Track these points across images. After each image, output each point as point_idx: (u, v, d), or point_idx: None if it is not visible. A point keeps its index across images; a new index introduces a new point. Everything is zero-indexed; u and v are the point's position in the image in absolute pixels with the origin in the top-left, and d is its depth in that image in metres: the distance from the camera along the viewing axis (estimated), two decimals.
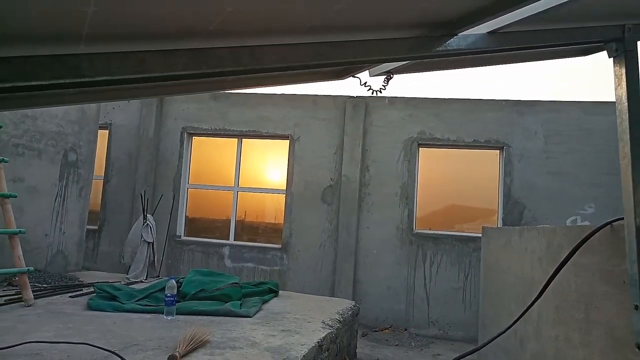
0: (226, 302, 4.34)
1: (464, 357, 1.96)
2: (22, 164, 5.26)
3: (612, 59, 1.69)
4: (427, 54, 1.40)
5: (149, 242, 6.06)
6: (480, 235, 6.96)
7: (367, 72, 1.62)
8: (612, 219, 1.73)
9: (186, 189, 8.32)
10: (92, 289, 4.72)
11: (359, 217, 7.56)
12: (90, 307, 4.03)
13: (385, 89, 1.62)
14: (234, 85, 1.63)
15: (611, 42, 1.65)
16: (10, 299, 4.05)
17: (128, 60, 1.15)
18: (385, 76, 1.60)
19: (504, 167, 7.31)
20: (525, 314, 2.90)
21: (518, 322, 3.20)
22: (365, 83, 1.64)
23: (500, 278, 3.96)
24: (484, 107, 7.46)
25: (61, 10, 0.98)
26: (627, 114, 1.68)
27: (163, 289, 4.22)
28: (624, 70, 1.69)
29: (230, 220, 8.17)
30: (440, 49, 1.39)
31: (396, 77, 1.80)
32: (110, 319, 3.70)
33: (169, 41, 1.23)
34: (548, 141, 7.21)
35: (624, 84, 1.68)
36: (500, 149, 7.41)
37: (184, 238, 8.16)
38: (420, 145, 7.64)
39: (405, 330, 7.12)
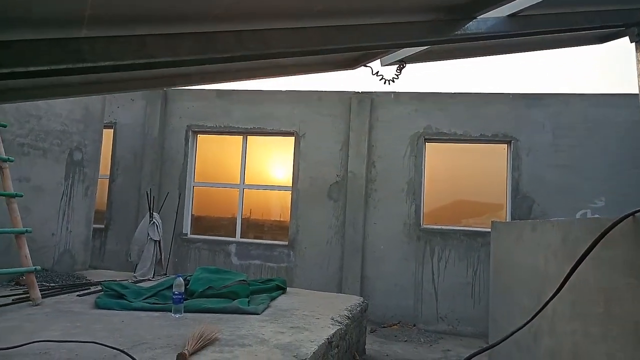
0: (234, 300, 4.31)
1: (481, 353, 1.91)
2: (27, 163, 5.24)
3: (633, 44, 1.63)
4: (444, 38, 1.35)
5: (155, 240, 6.05)
6: (489, 229, 6.90)
7: (378, 61, 1.56)
8: (634, 210, 1.67)
9: (192, 187, 8.30)
10: (99, 288, 4.70)
11: (365, 213, 7.51)
12: (97, 306, 4.01)
13: (398, 78, 1.57)
14: (241, 75, 1.58)
15: (633, 27, 1.58)
16: (18, 299, 4.04)
17: (129, 44, 1.10)
18: (397, 65, 1.54)
19: (512, 161, 7.23)
20: (542, 311, 2.84)
21: (532, 321, 3.14)
22: (377, 72, 1.58)
23: (511, 273, 3.90)
24: (491, 101, 7.38)
25: None
26: None
27: (170, 287, 4.20)
28: None
29: (236, 218, 8.14)
30: (459, 32, 1.33)
31: (401, 72, 1.74)
32: (118, 318, 3.67)
33: (172, 25, 1.17)
34: (556, 134, 7.12)
35: None
36: (508, 142, 7.33)
37: (190, 236, 8.14)
38: (426, 140, 7.57)
39: (414, 326, 7.08)
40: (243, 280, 4.76)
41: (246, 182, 8.17)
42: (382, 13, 1.30)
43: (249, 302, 4.34)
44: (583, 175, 6.96)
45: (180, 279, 3.88)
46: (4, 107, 4.85)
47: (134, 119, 8.40)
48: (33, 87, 1.61)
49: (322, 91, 7.97)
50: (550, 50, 1.90)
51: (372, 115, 7.68)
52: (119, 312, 3.87)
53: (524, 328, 3.29)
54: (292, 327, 3.66)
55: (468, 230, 7.28)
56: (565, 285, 2.15)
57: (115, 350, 2.73)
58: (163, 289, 4.59)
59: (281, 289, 5.20)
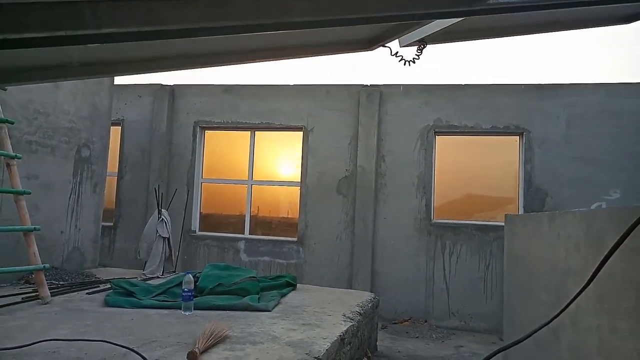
0: (244, 296, 4.25)
1: (504, 350, 1.82)
2: (35, 160, 5.21)
3: None
4: (471, 9, 1.25)
5: (164, 237, 6.00)
6: (501, 223, 6.79)
7: (397, 42, 1.48)
8: None
9: (200, 183, 8.26)
10: (109, 286, 4.67)
11: (375, 208, 7.42)
12: (107, 304, 3.98)
13: (418, 59, 1.48)
14: (251, 56, 1.49)
15: None
16: (27, 297, 4.01)
17: (136, 9, 1.00)
18: (417, 46, 1.46)
19: (524, 154, 7.10)
20: (561, 304, 2.75)
21: (551, 312, 3.05)
22: (397, 53, 1.49)
23: (527, 267, 3.80)
24: (502, 92, 7.25)
25: None
26: None
27: (180, 284, 4.15)
28: None
29: (244, 215, 8.09)
30: (492, 1, 1.23)
31: (422, 52, 1.66)
32: (128, 316, 3.63)
33: None
34: (570, 125, 6.98)
35: None
36: (520, 134, 7.20)
37: (199, 233, 8.11)
38: (436, 133, 7.46)
39: (426, 322, 6.99)
40: (253, 277, 4.70)
41: (254, 178, 8.12)
42: None
43: (259, 298, 4.29)
44: (597, 166, 6.82)
45: (190, 276, 3.83)
46: (11, 104, 4.82)
47: (142, 116, 8.37)
48: (31, 68, 1.54)
49: (330, 85, 7.88)
50: (575, 30, 1.80)
51: (381, 109, 7.57)
52: (129, 310, 3.83)
53: (540, 322, 3.20)
54: (303, 324, 3.59)
55: (480, 225, 7.17)
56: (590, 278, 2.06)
57: (125, 349, 2.68)
58: (172, 286, 4.55)
59: (291, 286, 5.14)
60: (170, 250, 6.17)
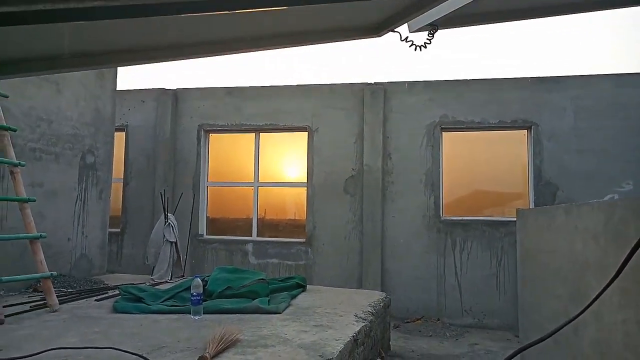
0: (254, 299, 4.19)
1: (528, 348, 1.75)
2: (40, 168, 5.18)
3: None
4: None
5: (171, 242, 5.96)
6: (511, 218, 6.70)
7: (406, 27, 1.41)
8: None
9: (206, 187, 8.22)
10: (117, 292, 4.62)
11: (383, 206, 7.34)
12: (116, 310, 3.93)
13: (430, 43, 1.41)
14: (250, 44, 1.42)
15: None
16: (36, 305, 3.97)
17: None
18: (428, 31, 1.39)
19: (533, 148, 7.00)
20: (580, 298, 2.67)
21: (569, 307, 2.96)
22: (407, 38, 1.43)
23: (542, 261, 3.72)
24: (508, 87, 7.15)
25: None
26: None
27: (188, 289, 4.09)
28: None
29: (251, 218, 8.03)
30: None
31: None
32: (137, 321, 3.58)
33: None
34: (578, 118, 6.87)
35: None
36: (528, 128, 7.10)
37: (206, 237, 8.06)
38: (443, 129, 7.37)
39: (438, 320, 6.90)
40: (262, 279, 4.64)
41: (260, 179, 8.06)
42: None
43: (269, 301, 4.22)
44: (608, 158, 6.70)
45: (199, 279, 3.77)
46: (13, 112, 4.79)
47: (145, 121, 8.34)
48: (20, 60, 1.48)
49: (333, 84, 7.82)
50: (589, 12, 1.72)
51: (386, 106, 7.50)
52: (138, 316, 3.78)
53: (560, 319, 3.11)
54: (315, 326, 3.52)
55: (490, 220, 7.07)
56: (612, 271, 1.98)
57: (134, 356, 2.62)
58: (181, 291, 4.49)
59: (301, 287, 5.07)
60: (178, 255, 6.12)
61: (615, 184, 6.66)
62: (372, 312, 4.24)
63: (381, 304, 4.75)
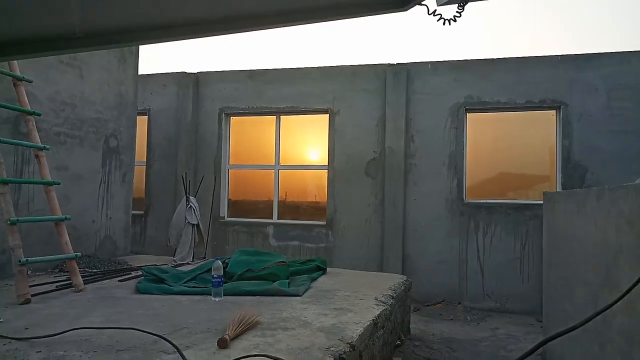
0: (274, 282, 4.20)
1: (558, 337, 1.68)
2: (65, 152, 5.26)
3: None
4: None
5: (193, 224, 6.02)
6: (537, 202, 6.54)
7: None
8: None
9: (227, 170, 8.25)
10: (140, 273, 4.70)
11: (405, 189, 7.24)
12: (138, 291, 3.99)
13: (460, 16, 1.32)
14: (281, 19, 1.35)
15: None
16: (62, 285, 4.07)
17: None
18: (458, 4, 1.30)
19: (562, 129, 6.76)
20: (611, 285, 2.56)
21: (599, 294, 2.86)
22: (435, 12, 1.34)
23: (570, 246, 3.59)
24: (536, 65, 6.89)
25: None
26: None
27: (209, 270, 4.12)
28: None
29: (272, 200, 8.05)
30: None
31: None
32: (159, 302, 3.63)
33: None
34: (611, 97, 6.58)
35: None
36: (557, 108, 6.85)
37: (227, 219, 8.12)
38: (467, 110, 7.18)
39: (459, 304, 6.83)
40: (282, 262, 4.65)
41: (281, 162, 8.05)
42: None
43: (289, 283, 4.22)
44: None
45: (219, 262, 3.79)
46: (38, 96, 4.85)
47: (168, 105, 8.39)
48: (30, 40, 1.45)
49: (355, 65, 7.68)
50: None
51: (409, 88, 7.34)
52: (160, 297, 3.83)
53: (589, 306, 3.01)
54: (335, 309, 3.51)
55: (514, 204, 6.90)
56: None
57: (155, 337, 2.65)
58: (202, 272, 4.54)
59: (321, 270, 5.07)
60: (201, 236, 6.19)
61: None
62: (392, 296, 4.21)
63: (402, 288, 4.71)
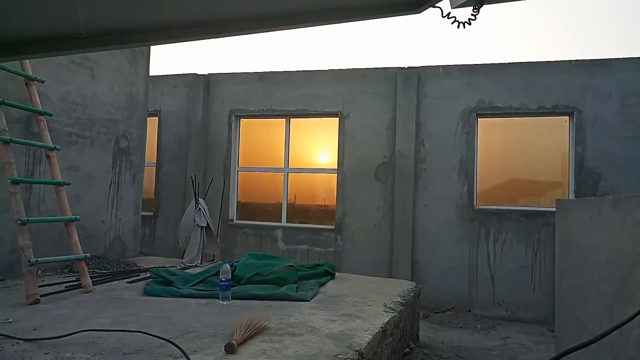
0: (282, 286, 4.16)
1: (570, 352, 1.63)
2: (76, 152, 5.29)
3: None
4: None
5: (202, 226, 6.01)
6: (550, 209, 6.44)
7: (447, 2, 1.29)
8: None
9: (236, 172, 8.25)
10: (148, 274, 4.70)
11: (415, 194, 7.19)
12: (147, 293, 3.98)
13: (475, 19, 1.29)
14: (291, 21, 1.33)
15: None
16: (70, 286, 4.07)
17: None
18: (473, 6, 1.27)
19: (575, 135, 6.67)
20: (627, 296, 2.50)
21: (615, 306, 2.79)
22: (449, 14, 1.31)
23: (583, 255, 3.53)
24: (549, 70, 6.81)
25: None
26: None
27: (218, 273, 4.10)
28: None
29: (281, 203, 8.03)
30: None
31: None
32: (167, 305, 3.62)
33: None
34: (625, 103, 6.49)
35: None
36: (570, 114, 6.76)
37: (236, 222, 8.12)
38: (479, 115, 7.11)
39: (469, 311, 6.75)
40: (291, 266, 4.61)
41: (290, 165, 8.03)
42: None
43: (297, 288, 4.19)
44: None
45: (227, 265, 3.77)
46: (50, 97, 4.88)
47: (178, 106, 8.42)
48: (33, 40, 1.45)
49: (366, 68, 7.65)
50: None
51: (420, 92, 7.29)
52: (168, 299, 3.82)
53: (603, 316, 2.94)
54: (343, 315, 3.47)
55: (526, 210, 6.82)
56: None
57: (162, 340, 2.63)
58: (210, 275, 4.52)
59: (330, 275, 5.03)
60: (213, 238, 6.18)
61: None
62: (401, 302, 4.16)
63: (411, 294, 4.65)
